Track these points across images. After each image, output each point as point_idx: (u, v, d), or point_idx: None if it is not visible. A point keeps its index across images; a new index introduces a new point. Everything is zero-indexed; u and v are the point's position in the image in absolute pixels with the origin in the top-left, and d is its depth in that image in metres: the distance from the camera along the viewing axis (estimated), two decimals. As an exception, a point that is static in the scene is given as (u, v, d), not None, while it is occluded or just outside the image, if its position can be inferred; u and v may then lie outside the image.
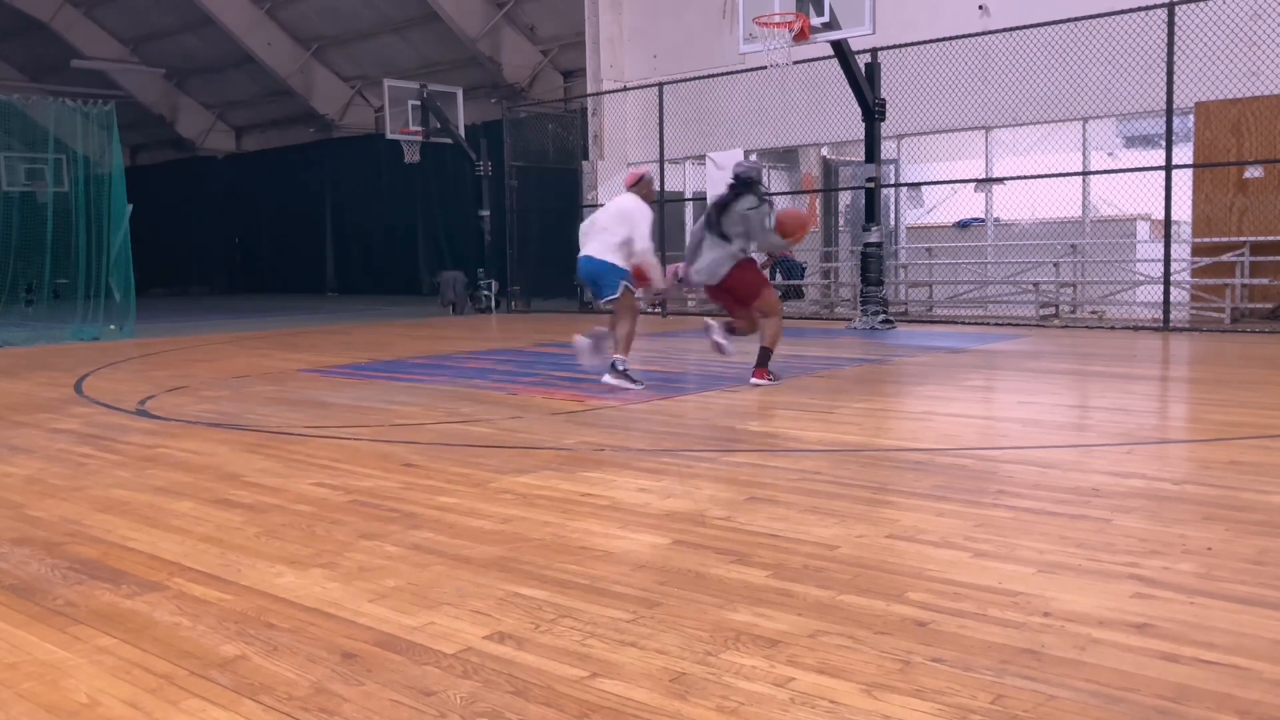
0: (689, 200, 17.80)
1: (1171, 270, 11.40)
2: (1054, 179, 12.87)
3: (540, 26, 21.82)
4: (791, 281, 16.10)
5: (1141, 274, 12.87)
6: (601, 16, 18.18)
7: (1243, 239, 11.83)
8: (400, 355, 10.29)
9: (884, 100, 12.31)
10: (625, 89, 17.94)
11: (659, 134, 15.84)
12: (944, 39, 13.16)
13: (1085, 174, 13.26)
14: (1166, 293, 11.33)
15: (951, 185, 14.82)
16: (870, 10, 11.12)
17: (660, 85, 15.98)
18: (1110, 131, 14.16)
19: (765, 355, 7.38)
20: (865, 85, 12.09)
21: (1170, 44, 10.99)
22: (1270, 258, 11.63)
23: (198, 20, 25.39)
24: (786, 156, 19.38)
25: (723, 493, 4.20)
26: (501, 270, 17.95)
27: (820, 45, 11.54)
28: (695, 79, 16.10)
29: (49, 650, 2.64)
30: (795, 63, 11.87)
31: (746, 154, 15.99)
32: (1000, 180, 13.91)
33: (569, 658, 2.51)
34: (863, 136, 12.50)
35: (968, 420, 6.05)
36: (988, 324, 12.60)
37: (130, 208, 13.31)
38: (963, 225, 14.75)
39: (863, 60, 12.08)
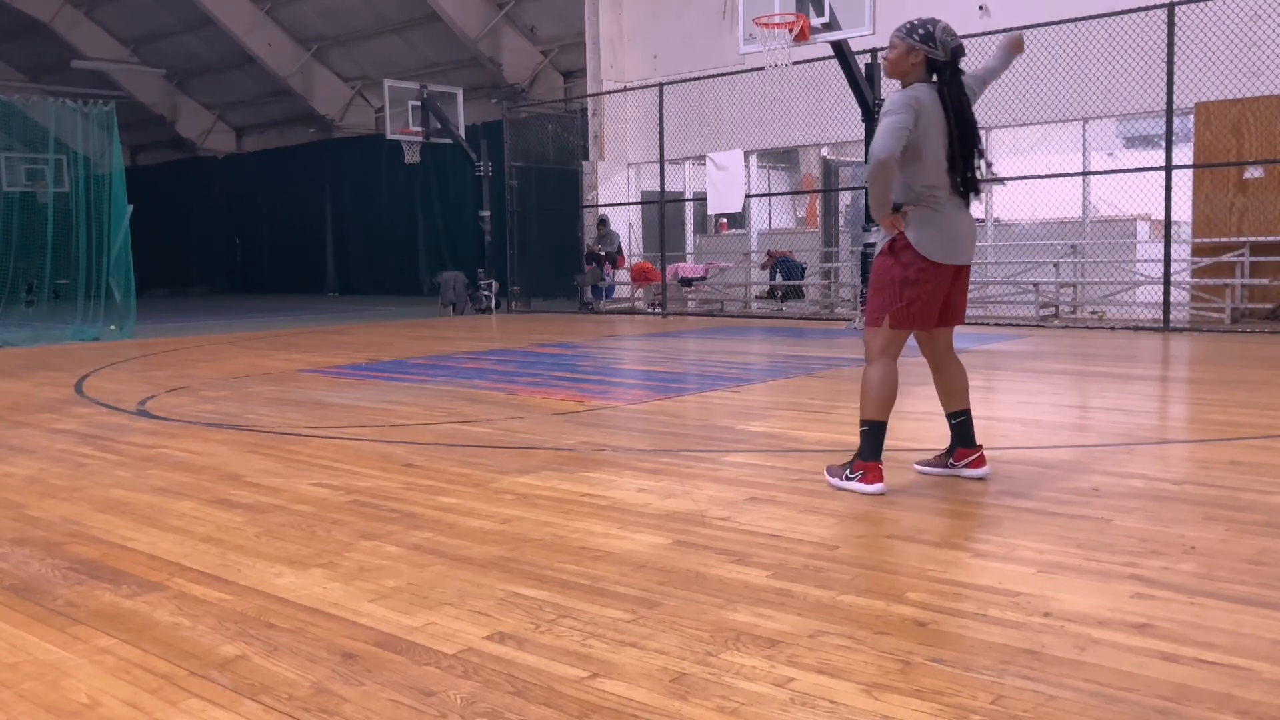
0: (689, 200, 17.81)
1: (1171, 270, 11.40)
2: (1054, 179, 12.87)
3: (540, 27, 21.82)
4: (791, 281, 16.12)
5: (1141, 274, 12.87)
6: (601, 16, 18.18)
7: (1243, 239, 11.83)
8: (400, 355, 10.29)
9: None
10: (625, 89, 17.93)
11: (659, 134, 15.84)
12: (944, 39, 13.14)
13: (1085, 174, 13.26)
14: (1166, 293, 11.33)
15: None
16: (870, 10, 11.11)
17: (660, 85, 15.98)
18: (1110, 132, 14.16)
19: None
20: (865, 85, 12.09)
21: (1170, 44, 10.99)
22: (1270, 258, 11.63)
23: (198, 20, 25.39)
24: (786, 156, 19.40)
25: (723, 493, 4.20)
26: (501, 270, 17.95)
27: (820, 45, 11.54)
28: (695, 79, 16.09)
29: (49, 650, 2.64)
30: (795, 63, 11.86)
31: (746, 154, 15.99)
32: (1000, 180, 13.91)
33: (569, 658, 2.51)
34: (863, 136, 12.50)
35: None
36: (988, 324, 12.60)
37: (130, 208, 13.30)
38: None
39: (863, 60, 12.08)
